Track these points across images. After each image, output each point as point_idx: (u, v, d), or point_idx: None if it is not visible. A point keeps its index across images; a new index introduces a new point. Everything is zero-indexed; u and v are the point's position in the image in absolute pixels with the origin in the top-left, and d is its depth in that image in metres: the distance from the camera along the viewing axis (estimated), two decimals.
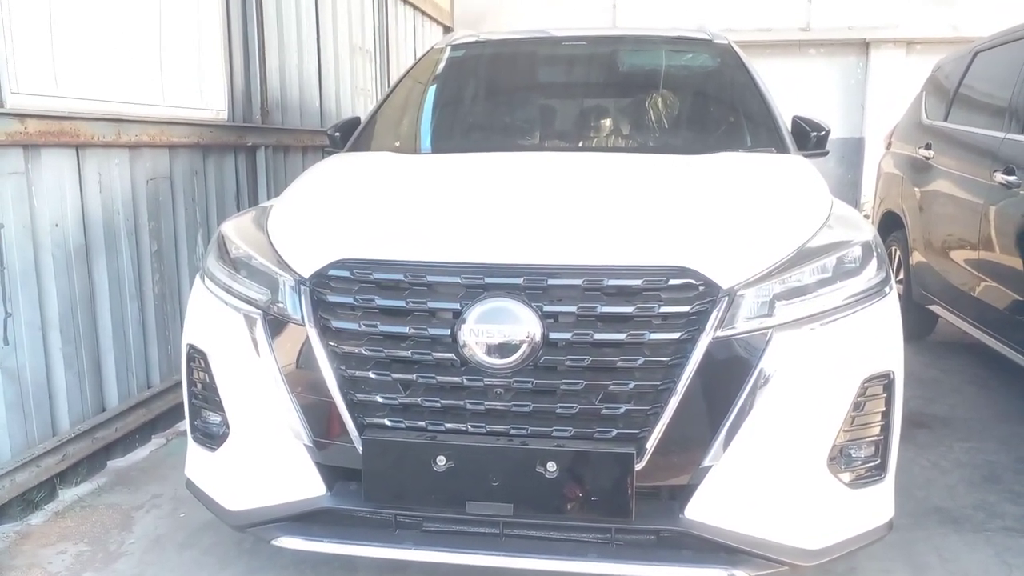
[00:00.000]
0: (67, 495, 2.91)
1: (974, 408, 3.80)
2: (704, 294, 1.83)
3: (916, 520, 2.66)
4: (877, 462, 1.97)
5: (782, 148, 2.91)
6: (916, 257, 4.64)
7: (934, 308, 4.48)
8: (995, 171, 3.61)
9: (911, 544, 2.51)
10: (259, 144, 4.31)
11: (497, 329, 1.82)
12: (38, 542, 2.58)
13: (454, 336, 1.85)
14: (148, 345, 3.44)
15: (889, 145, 5.41)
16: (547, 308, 1.84)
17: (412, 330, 1.88)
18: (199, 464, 2.23)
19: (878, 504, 1.99)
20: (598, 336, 1.82)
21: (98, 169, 3.10)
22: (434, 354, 1.88)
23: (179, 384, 3.48)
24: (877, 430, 1.96)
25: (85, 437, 3.00)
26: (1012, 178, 3.46)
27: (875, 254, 2.06)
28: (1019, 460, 3.18)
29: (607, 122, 3.43)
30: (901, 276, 4.90)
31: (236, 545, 2.53)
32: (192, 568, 2.43)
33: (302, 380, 1.95)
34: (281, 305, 2.01)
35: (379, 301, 1.91)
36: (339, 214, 2.24)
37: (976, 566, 2.41)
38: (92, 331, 3.10)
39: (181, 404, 3.49)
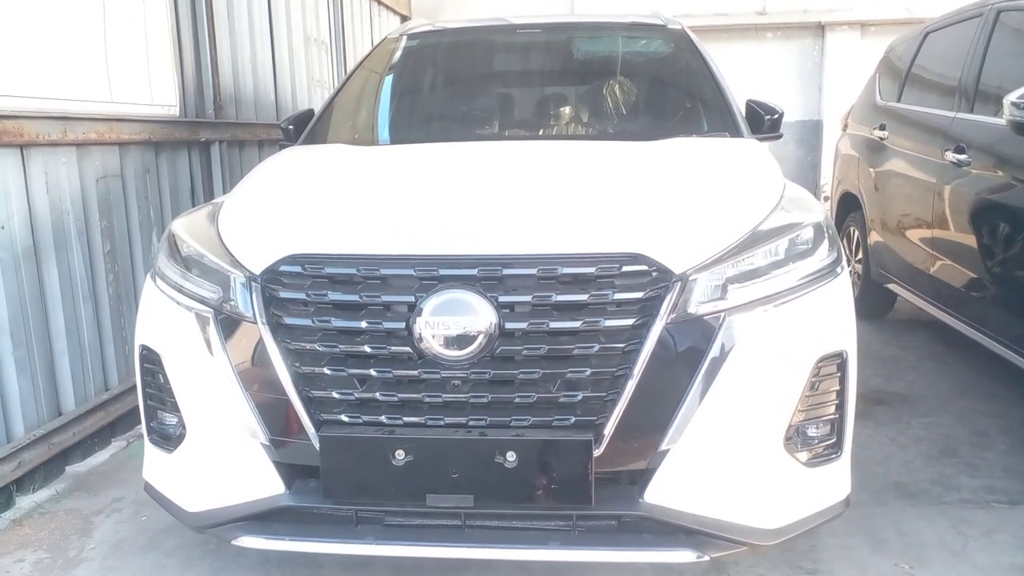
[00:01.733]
0: (24, 502, 2.85)
1: (932, 384, 3.87)
2: (657, 280, 1.84)
3: (875, 496, 2.71)
4: (833, 440, 1.99)
5: (735, 132, 2.93)
6: (874, 237, 4.71)
7: (892, 287, 4.56)
8: (946, 150, 3.67)
9: (870, 519, 2.56)
10: (213, 139, 4.24)
11: (453, 321, 1.81)
12: None
13: (409, 329, 1.84)
14: (104, 346, 3.38)
15: (845, 127, 5.47)
16: (502, 298, 1.83)
17: (367, 324, 1.87)
18: (157, 466, 2.20)
19: (835, 481, 2.01)
20: (554, 324, 1.82)
21: (44, 168, 3.03)
22: (390, 348, 1.86)
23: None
24: (832, 409, 1.98)
25: (41, 443, 2.93)
26: (963, 156, 3.51)
27: (827, 235, 2.08)
28: (975, 433, 3.25)
29: (563, 109, 3.42)
30: (860, 256, 4.97)
31: (199, 547, 2.50)
32: (154, 571, 2.40)
33: (257, 378, 1.93)
34: (233, 303, 1.98)
35: (332, 296, 1.89)
36: (290, 209, 2.21)
37: (933, 538, 2.46)
38: (44, 334, 3.03)
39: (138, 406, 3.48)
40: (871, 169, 4.73)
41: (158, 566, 2.43)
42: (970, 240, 3.44)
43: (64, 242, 3.13)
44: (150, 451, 2.22)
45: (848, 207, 5.19)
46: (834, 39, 9.57)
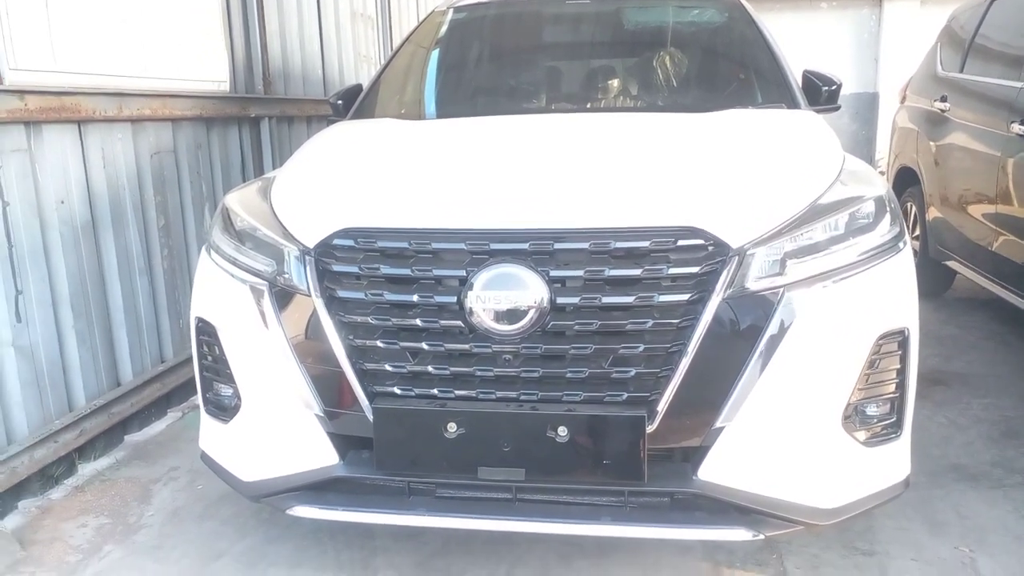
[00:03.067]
0: (86, 469, 2.94)
1: (992, 364, 3.76)
2: (714, 254, 1.81)
3: (933, 478, 2.65)
4: (893, 420, 1.95)
5: (792, 104, 2.85)
6: (932, 212, 4.56)
7: (951, 264, 4.42)
8: (1012, 122, 3.53)
9: (928, 502, 2.50)
10: (262, 115, 4.27)
11: (504, 295, 1.80)
12: (59, 516, 2.62)
13: (461, 303, 1.83)
14: (160, 319, 3.45)
15: (904, 99, 5.30)
16: (554, 273, 1.82)
17: (418, 298, 1.87)
18: (212, 436, 2.24)
19: (894, 462, 1.97)
20: (606, 299, 1.80)
21: (101, 144, 3.08)
22: (441, 322, 1.86)
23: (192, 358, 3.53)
24: (892, 387, 1.93)
25: (101, 412, 3.02)
26: None
27: (888, 209, 2.02)
28: None
29: (614, 82, 3.36)
30: (917, 232, 4.82)
31: (254, 516, 2.55)
32: (211, 539, 2.45)
33: (311, 350, 1.95)
34: (287, 276, 2.00)
35: (384, 270, 1.90)
36: (342, 183, 2.21)
37: (994, 522, 2.40)
38: (103, 307, 3.10)
39: (194, 377, 3.56)
40: (931, 142, 4.58)
41: (214, 533, 2.48)
42: None
43: (120, 217, 3.19)
44: (206, 421, 2.26)
45: (906, 182, 5.04)
46: (892, 9, 9.25)
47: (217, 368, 2.17)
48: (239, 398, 2.10)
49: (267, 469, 2.07)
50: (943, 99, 4.48)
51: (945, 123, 4.42)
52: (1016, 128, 3.48)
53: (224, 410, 2.18)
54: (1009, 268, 3.62)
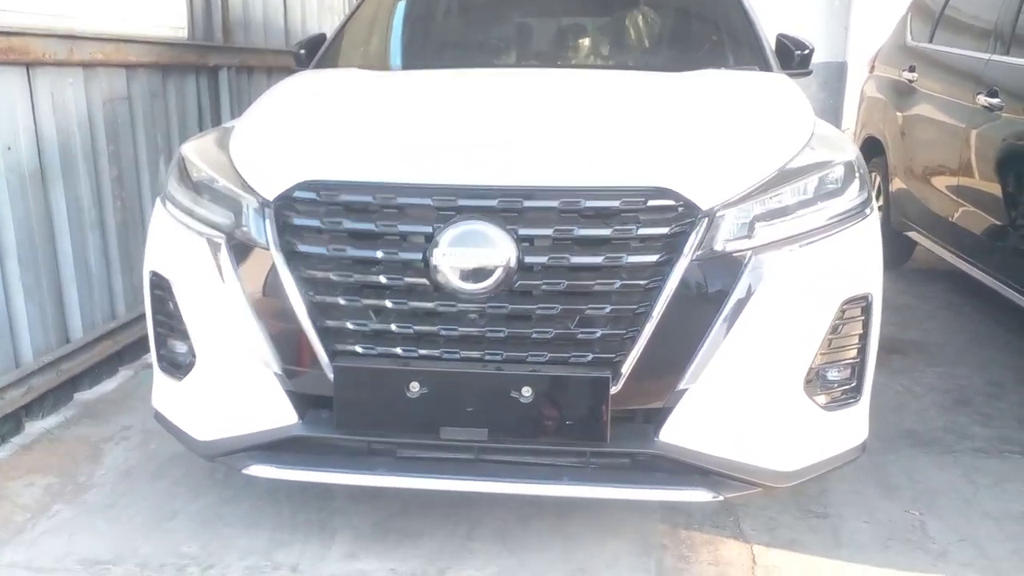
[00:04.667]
0: (33, 428, 2.85)
1: (948, 333, 3.83)
2: (683, 215, 1.78)
3: (888, 443, 2.69)
4: (853, 384, 1.96)
5: (765, 66, 2.83)
6: (896, 183, 4.61)
7: (912, 235, 4.48)
8: (978, 93, 3.55)
9: (882, 466, 2.54)
10: (222, 64, 4.12)
11: (471, 253, 1.76)
12: (6, 475, 2.53)
13: (426, 260, 1.79)
14: (112, 274, 3.34)
15: (872, 68, 5.31)
16: (522, 231, 1.78)
17: (383, 254, 1.82)
18: (166, 394, 2.18)
19: (853, 426, 1.99)
20: (575, 259, 1.77)
21: (51, 89, 2.94)
22: (406, 279, 1.82)
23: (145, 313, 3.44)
24: (854, 352, 1.94)
25: (50, 369, 2.92)
26: (995, 100, 3.40)
27: (857, 175, 2.01)
28: (990, 384, 3.22)
29: (585, 39, 3.31)
30: (881, 203, 4.87)
31: (208, 476, 2.50)
32: (164, 499, 2.40)
33: (270, 307, 1.89)
34: (245, 229, 1.93)
35: (347, 224, 1.84)
36: (304, 134, 2.14)
37: (944, 485, 2.45)
38: (52, 260, 2.99)
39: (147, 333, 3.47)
40: (897, 113, 4.60)
41: (168, 494, 2.43)
42: (997, 188, 3.35)
43: (71, 166, 3.06)
44: (159, 379, 2.20)
45: (871, 152, 5.06)
46: None
47: (171, 324, 2.10)
48: (194, 355, 2.04)
49: (223, 428, 2.02)
50: (911, 69, 4.50)
51: (912, 93, 4.44)
52: (982, 100, 3.50)
53: (178, 367, 2.12)
54: (968, 239, 3.68)
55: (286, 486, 2.37)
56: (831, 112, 9.36)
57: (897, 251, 4.83)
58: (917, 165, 4.29)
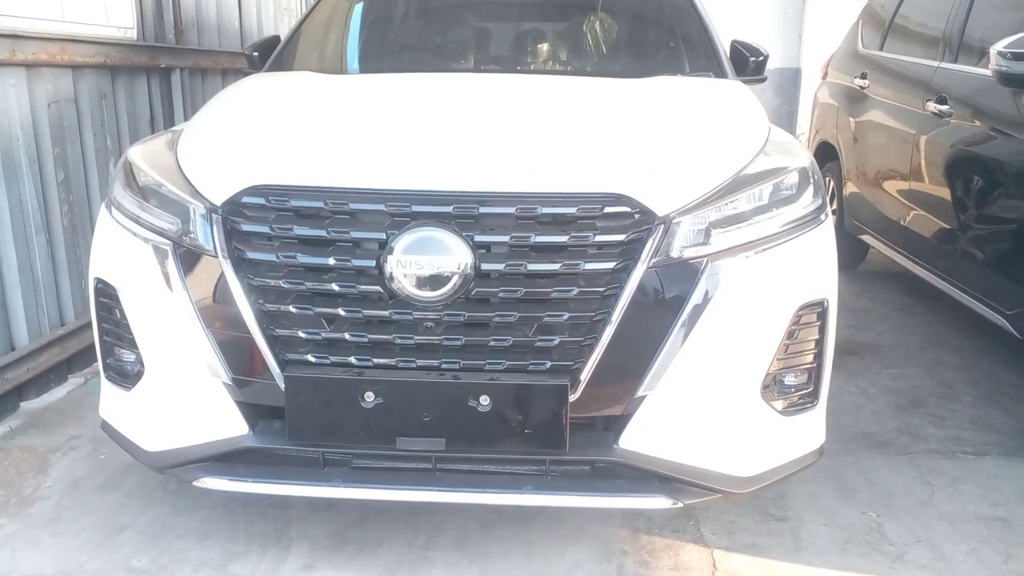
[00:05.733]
0: None
1: (901, 335, 3.90)
2: (640, 222, 1.78)
3: (844, 445, 2.72)
4: (810, 389, 1.98)
5: (720, 73, 2.85)
6: (849, 188, 4.68)
7: (865, 238, 4.55)
8: (928, 100, 3.63)
9: (839, 468, 2.57)
10: (174, 66, 4.03)
11: (426, 260, 1.73)
12: None
13: (380, 268, 1.76)
14: (59, 280, 3.24)
15: (825, 75, 5.39)
16: (478, 238, 1.76)
17: (335, 261, 1.78)
18: (114, 404, 2.12)
19: (810, 431, 2.00)
20: (532, 266, 1.76)
21: None
22: (359, 287, 1.78)
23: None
24: (811, 358, 1.96)
25: None
26: (944, 107, 3.47)
27: (812, 181, 2.03)
28: (942, 385, 3.28)
29: (542, 45, 3.30)
30: (835, 207, 4.94)
31: (160, 486, 2.43)
32: (114, 511, 2.33)
33: (218, 315, 1.84)
34: (192, 235, 1.88)
35: (298, 230, 1.80)
36: (254, 137, 2.09)
37: (900, 487, 2.48)
38: None
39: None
40: (850, 118, 4.68)
41: (118, 505, 2.36)
42: (946, 192, 3.42)
43: (14, 170, 2.96)
44: (107, 388, 2.14)
45: (825, 157, 5.15)
46: None
47: (118, 332, 2.05)
48: (142, 364, 1.98)
49: (172, 439, 1.97)
50: (863, 76, 4.58)
51: (864, 100, 4.52)
52: (931, 106, 3.57)
53: (126, 377, 2.06)
54: (919, 242, 3.75)
55: (241, 497, 2.32)
56: (786, 117, 9.51)
57: (851, 254, 4.91)
58: (870, 170, 4.36)
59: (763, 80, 3.03)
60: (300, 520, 2.25)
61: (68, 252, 3.27)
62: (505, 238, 1.76)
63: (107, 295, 2.04)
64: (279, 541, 2.17)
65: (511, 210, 1.77)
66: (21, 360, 2.97)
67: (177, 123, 4.06)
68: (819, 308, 1.93)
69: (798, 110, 9.39)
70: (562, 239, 1.76)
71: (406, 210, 1.77)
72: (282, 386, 1.79)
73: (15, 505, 2.36)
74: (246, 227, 1.82)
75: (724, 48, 3.00)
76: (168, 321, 1.89)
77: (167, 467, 2.01)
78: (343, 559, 2.10)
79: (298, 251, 1.80)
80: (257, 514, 2.29)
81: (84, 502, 2.38)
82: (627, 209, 1.78)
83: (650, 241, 1.76)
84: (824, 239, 1.99)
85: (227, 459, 1.94)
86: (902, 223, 3.89)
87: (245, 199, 1.83)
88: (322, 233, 1.79)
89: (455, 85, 2.60)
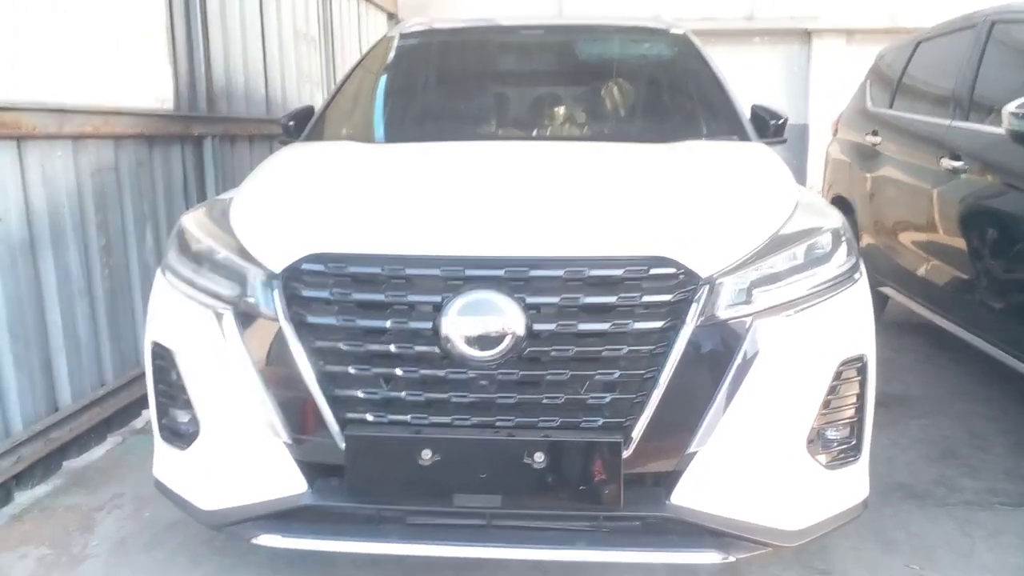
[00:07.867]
0: (23, 498, 2.79)
1: (927, 386, 3.92)
2: (685, 283, 1.84)
3: (882, 497, 2.73)
4: (853, 443, 2.01)
5: (743, 136, 2.94)
6: (866, 239, 4.76)
7: (884, 289, 4.61)
8: (942, 157, 3.72)
9: (878, 520, 2.58)
10: (206, 134, 4.17)
11: (480, 321, 1.79)
12: None
13: (436, 329, 1.82)
14: (100, 342, 3.32)
15: (836, 132, 5.53)
16: (529, 299, 1.82)
17: (392, 324, 1.85)
18: (168, 463, 2.16)
19: (854, 484, 2.03)
20: (582, 326, 1.81)
21: (41, 161, 2.96)
22: (416, 348, 1.84)
23: (134, 381, 3.41)
24: (852, 412, 2.00)
25: (39, 438, 2.88)
26: (959, 163, 3.57)
27: (844, 240, 2.10)
28: (973, 435, 3.30)
29: (571, 112, 3.41)
30: None
31: (206, 544, 2.46)
32: (162, 568, 2.36)
33: (278, 376, 1.90)
34: (251, 300, 1.95)
35: (356, 295, 1.87)
36: (308, 206, 2.16)
37: (941, 540, 2.49)
38: (41, 329, 2.97)
39: (136, 402, 3.43)
40: (863, 174, 4.78)
41: (165, 562, 2.39)
42: (964, 244, 3.49)
43: (60, 237, 3.06)
44: (161, 448, 2.18)
45: (840, 210, 5.23)
46: (820, 45, 9.68)
47: (173, 394, 2.10)
48: (197, 424, 2.03)
49: (229, 497, 2.01)
50: (874, 133, 4.70)
51: (876, 156, 4.63)
52: (945, 163, 3.67)
53: (181, 437, 2.10)
54: (937, 292, 3.81)
55: (287, 553, 2.34)
56: (796, 171, 9.61)
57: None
58: (886, 223, 4.45)
59: (783, 142, 3.12)
60: None
61: (109, 314, 3.35)
62: (555, 299, 1.82)
63: (163, 357, 2.10)
64: None
65: (560, 272, 1.83)
66: (64, 420, 3.03)
67: (208, 186, 4.18)
68: (859, 363, 1.98)
69: (807, 164, 9.57)
70: (610, 299, 1.82)
71: (460, 274, 1.84)
72: (342, 445, 1.84)
73: (66, 564, 2.39)
74: (306, 293, 1.89)
75: (745, 112, 3.11)
76: (227, 382, 1.95)
77: (224, 525, 2.04)
78: None
79: (357, 314, 1.86)
80: (303, 570, 2.31)
81: (132, 559, 2.41)
82: (672, 271, 1.84)
83: (696, 301, 1.82)
84: (860, 296, 2.06)
85: (284, 516, 1.97)
86: (920, 274, 3.96)
87: (305, 266, 1.90)
88: (380, 297, 1.85)
89: (496, 153, 2.69)
